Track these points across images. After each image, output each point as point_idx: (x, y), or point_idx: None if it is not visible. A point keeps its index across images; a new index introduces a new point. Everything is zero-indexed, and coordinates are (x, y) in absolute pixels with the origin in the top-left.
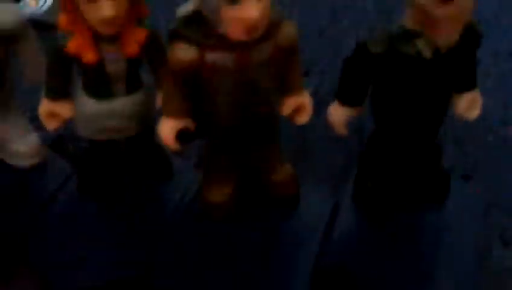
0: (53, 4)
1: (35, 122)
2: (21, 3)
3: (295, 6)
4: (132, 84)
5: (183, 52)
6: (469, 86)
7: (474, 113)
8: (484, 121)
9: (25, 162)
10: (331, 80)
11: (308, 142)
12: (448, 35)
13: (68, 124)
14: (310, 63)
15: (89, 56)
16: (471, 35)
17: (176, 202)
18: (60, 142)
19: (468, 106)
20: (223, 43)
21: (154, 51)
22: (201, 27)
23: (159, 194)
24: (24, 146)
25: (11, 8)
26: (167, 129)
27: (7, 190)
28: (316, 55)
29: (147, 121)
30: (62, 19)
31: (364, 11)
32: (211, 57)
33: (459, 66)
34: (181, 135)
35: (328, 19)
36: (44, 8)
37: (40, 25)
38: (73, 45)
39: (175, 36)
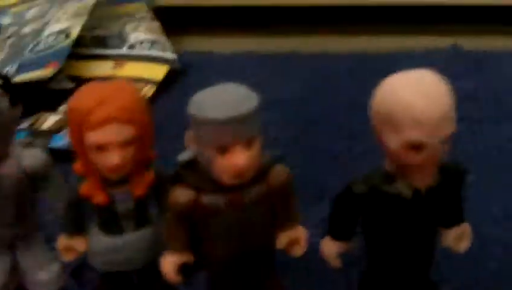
0: None
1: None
2: (61, 135)
3: (312, 131)
4: (140, 221)
5: (181, 195)
6: (456, 221)
7: (464, 245)
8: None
9: None
10: None
11: (310, 271)
12: (423, 178)
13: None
14: (324, 189)
15: (100, 198)
16: (451, 175)
17: None
18: (79, 270)
19: (457, 238)
20: (217, 186)
21: (160, 191)
22: (197, 172)
23: None
24: (46, 274)
25: (38, 154)
26: (168, 264)
27: None
28: (330, 180)
29: (155, 254)
30: (77, 165)
31: None
32: (206, 199)
33: (442, 203)
34: (182, 269)
35: (343, 144)
36: None
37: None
38: (85, 189)
39: (175, 179)
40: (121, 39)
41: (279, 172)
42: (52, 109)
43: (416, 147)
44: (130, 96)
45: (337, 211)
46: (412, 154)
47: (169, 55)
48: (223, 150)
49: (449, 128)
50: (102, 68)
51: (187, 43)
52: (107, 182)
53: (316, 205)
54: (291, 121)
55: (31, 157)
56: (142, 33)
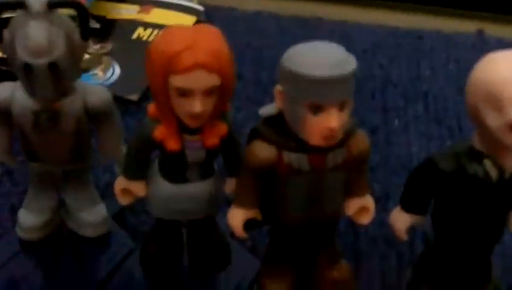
0: (121, 76)
1: (100, 191)
2: (89, 75)
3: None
4: (206, 171)
5: (262, 150)
6: None
7: None
8: None
9: (92, 232)
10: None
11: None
12: None
13: None
14: None
15: (173, 144)
16: None
17: None
18: (123, 214)
19: None
20: (301, 146)
21: (230, 144)
22: (281, 129)
23: (216, 281)
24: (92, 216)
25: (102, 92)
26: (237, 218)
27: (68, 261)
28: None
29: (214, 206)
30: (152, 108)
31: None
32: (288, 157)
33: None
34: (248, 224)
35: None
36: (112, 80)
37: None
38: (159, 133)
39: (256, 134)
40: None
41: (362, 138)
42: None
43: None
44: (218, 43)
45: (414, 183)
46: None
47: (198, 6)
48: (317, 109)
49: None
50: (128, 11)
51: None
52: (180, 129)
53: None
54: None
55: (96, 94)
56: None
